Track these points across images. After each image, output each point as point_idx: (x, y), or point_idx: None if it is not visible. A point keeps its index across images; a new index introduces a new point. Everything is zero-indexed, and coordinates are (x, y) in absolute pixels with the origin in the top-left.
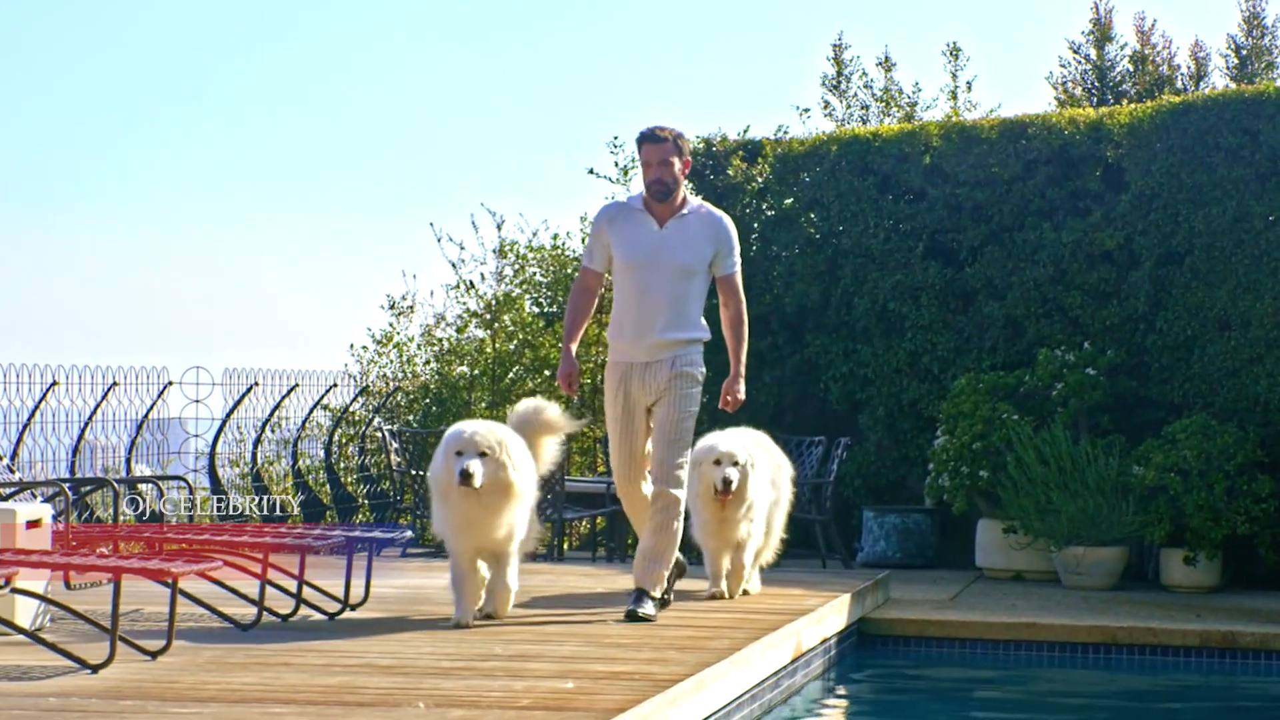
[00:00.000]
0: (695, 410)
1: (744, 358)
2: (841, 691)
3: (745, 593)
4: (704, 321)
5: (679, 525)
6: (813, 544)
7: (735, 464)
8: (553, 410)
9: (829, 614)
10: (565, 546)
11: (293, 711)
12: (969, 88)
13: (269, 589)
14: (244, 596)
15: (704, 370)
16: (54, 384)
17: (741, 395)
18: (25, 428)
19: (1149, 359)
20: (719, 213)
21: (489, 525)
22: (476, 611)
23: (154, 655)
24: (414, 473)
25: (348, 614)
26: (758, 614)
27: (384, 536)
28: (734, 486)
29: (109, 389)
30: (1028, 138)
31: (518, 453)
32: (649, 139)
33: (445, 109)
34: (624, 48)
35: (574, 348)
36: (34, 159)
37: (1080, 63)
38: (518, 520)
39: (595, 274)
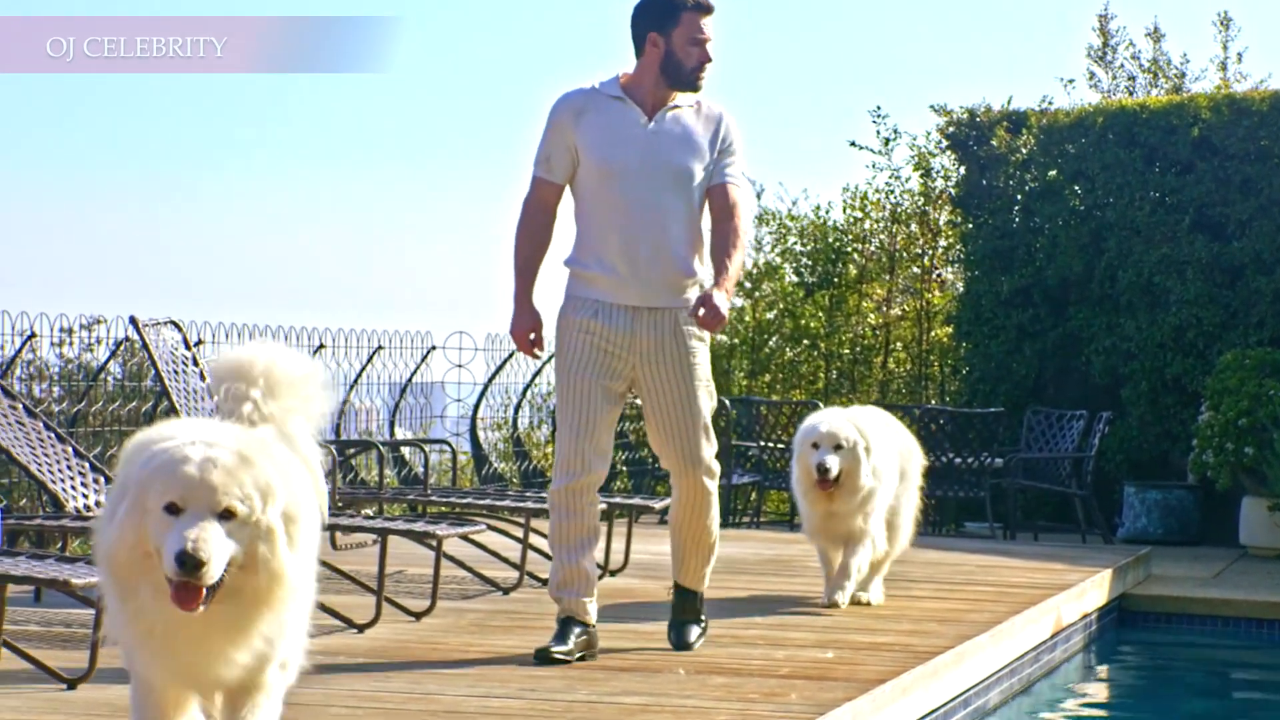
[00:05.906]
0: (710, 382)
1: (733, 274)
2: (1102, 667)
3: (863, 602)
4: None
5: (715, 518)
6: (1073, 519)
7: (837, 447)
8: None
9: (1090, 589)
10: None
11: (554, 674)
12: (1239, 59)
13: (530, 553)
14: (506, 560)
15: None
16: (321, 347)
17: (722, 307)
18: None
19: None
20: (719, 105)
21: (224, 646)
22: None
23: (418, 616)
24: None
25: (607, 579)
26: (1018, 588)
27: (643, 503)
28: (832, 474)
29: (374, 353)
30: None
31: (303, 499)
32: (706, 9)
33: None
34: (886, 17)
35: (534, 292)
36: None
37: None
38: (284, 626)
39: (555, 187)
